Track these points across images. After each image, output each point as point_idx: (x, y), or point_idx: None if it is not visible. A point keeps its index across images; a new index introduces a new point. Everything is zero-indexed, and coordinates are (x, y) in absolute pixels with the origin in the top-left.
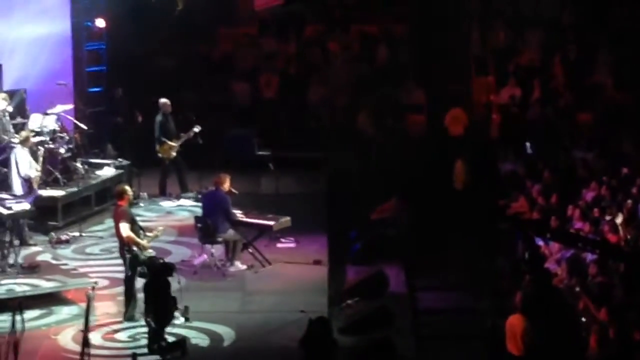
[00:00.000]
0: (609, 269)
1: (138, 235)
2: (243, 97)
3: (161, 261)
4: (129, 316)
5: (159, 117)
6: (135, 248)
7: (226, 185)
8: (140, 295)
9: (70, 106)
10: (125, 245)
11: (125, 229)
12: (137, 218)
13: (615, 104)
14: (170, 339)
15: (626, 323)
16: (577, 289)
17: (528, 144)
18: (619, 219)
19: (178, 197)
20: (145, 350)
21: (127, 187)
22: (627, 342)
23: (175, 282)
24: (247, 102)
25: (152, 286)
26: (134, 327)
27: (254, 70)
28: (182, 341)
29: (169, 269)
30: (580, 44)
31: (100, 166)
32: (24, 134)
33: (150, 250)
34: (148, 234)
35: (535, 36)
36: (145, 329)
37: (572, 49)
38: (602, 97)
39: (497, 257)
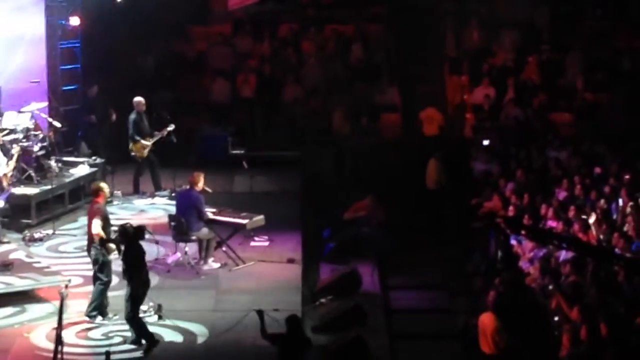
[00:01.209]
0: (583, 268)
1: (108, 237)
2: (218, 95)
3: (132, 227)
4: (95, 313)
5: (132, 116)
6: (101, 248)
7: (200, 184)
8: (111, 294)
9: (44, 104)
10: (92, 242)
11: (96, 226)
12: (112, 216)
13: (588, 104)
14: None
15: (598, 322)
16: (550, 288)
17: (486, 140)
18: (591, 219)
19: (152, 196)
20: (119, 347)
21: (104, 185)
22: (599, 341)
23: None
24: (222, 101)
25: (128, 253)
26: (107, 325)
27: (229, 69)
28: (154, 342)
29: (141, 232)
30: (554, 45)
31: (74, 164)
32: None
33: (115, 254)
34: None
35: (509, 37)
36: (118, 327)
37: (546, 49)
38: (576, 97)
39: (471, 256)
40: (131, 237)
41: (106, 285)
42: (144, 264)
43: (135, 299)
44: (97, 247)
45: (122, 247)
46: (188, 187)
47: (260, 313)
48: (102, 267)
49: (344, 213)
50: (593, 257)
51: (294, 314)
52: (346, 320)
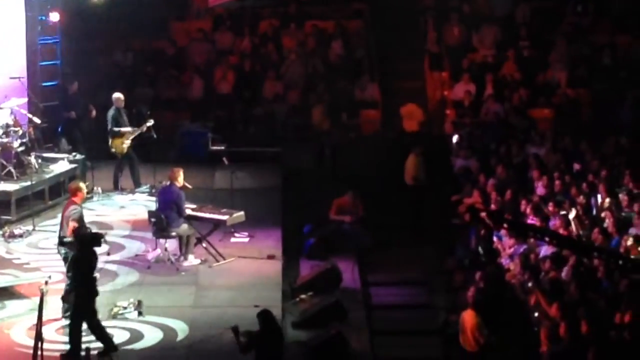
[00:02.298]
0: (563, 264)
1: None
2: (198, 92)
3: (89, 232)
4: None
5: (111, 112)
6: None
7: (180, 179)
8: None
9: (24, 100)
10: (63, 240)
11: (72, 226)
12: (92, 212)
13: (568, 100)
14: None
15: (577, 319)
16: (530, 284)
17: (456, 136)
18: (571, 214)
19: (132, 192)
20: (100, 344)
21: (82, 185)
22: (578, 338)
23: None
24: (202, 97)
25: (79, 257)
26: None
27: (208, 65)
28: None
29: (97, 239)
30: (534, 41)
31: (54, 160)
32: None
33: None
34: None
35: (489, 33)
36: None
37: (525, 45)
38: (556, 94)
39: (453, 251)
40: (87, 243)
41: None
42: (92, 271)
43: (78, 307)
44: (66, 246)
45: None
46: (168, 183)
47: (235, 329)
48: (70, 266)
49: (329, 212)
50: (575, 250)
51: (264, 309)
52: (326, 316)
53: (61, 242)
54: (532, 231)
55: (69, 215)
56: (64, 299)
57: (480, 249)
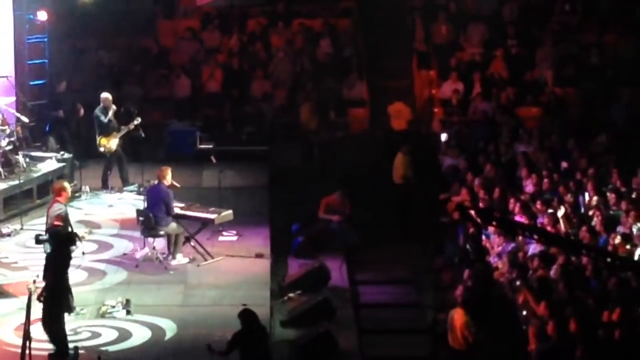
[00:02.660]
0: (551, 262)
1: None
2: (186, 90)
3: (65, 231)
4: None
5: (98, 110)
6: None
7: (168, 178)
8: (78, 289)
9: (11, 99)
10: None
11: (55, 223)
12: (80, 211)
13: (556, 99)
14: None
15: (565, 317)
16: (518, 282)
17: (445, 134)
18: (560, 212)
19: (120, 191)
20: (88, 343)
21: (66, 184)
22: (566, 336)
23: (80, 252)
24: (190, 96)
25: (54, 256)
26: (75, 320)
27: (196, 64)
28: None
29: (73, 238)
30: (522, 40)
31: (42, 159)
32: None
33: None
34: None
35: (477, 31)
36: (86, 322)
37: (513, 44)
38: (544, 92)
39: (442, 249)
40: (62, 240)
41: None
42: (65, 270)
43: (52, 306)
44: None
45: (50, 249)
46: (156, 181)
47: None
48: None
49: (318, 211)
50: (564, 248)
51: (245, 308)
52: (315, 314)
53: (37, 240)
54: (521, 229)
55: (54, 214)
56: (39, 299)
57: (468, 247)
